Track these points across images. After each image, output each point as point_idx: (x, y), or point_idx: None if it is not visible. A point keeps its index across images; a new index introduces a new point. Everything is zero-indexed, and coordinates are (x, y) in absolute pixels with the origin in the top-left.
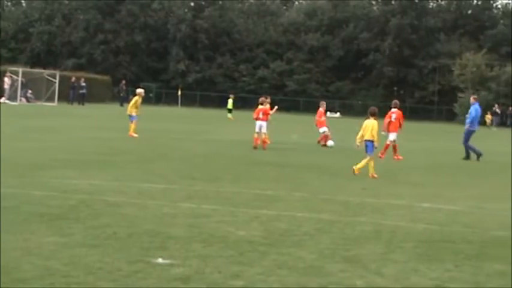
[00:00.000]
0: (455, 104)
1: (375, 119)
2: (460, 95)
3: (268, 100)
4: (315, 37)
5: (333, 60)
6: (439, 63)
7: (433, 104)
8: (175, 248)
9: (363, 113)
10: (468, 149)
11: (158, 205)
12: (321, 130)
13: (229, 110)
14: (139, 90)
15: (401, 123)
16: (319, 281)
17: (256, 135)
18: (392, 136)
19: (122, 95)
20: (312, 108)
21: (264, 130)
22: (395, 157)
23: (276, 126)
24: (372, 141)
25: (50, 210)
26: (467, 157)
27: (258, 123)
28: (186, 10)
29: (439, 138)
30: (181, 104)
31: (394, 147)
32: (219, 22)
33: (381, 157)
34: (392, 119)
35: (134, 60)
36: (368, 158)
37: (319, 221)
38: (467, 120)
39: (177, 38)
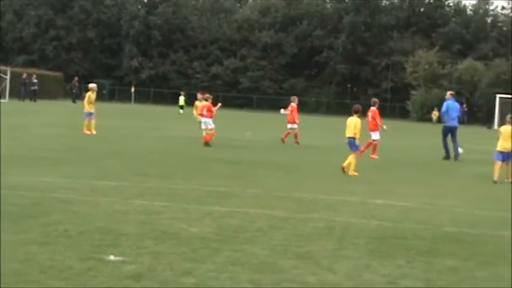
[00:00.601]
0: (408, 102)
1: (358, 117)
2: (412, 92)
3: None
4: (268, 34)
5: (286, 57)
6: (392, 60)
7: (386, 101)
8: (127, 245)
9: (316, 110)
10: (444, 146)
11: (110, 202)
12: (290, 126)
13: (181, 107)
14: (92, 85)
15: (379, 121)
16: (272, 277)
17: (213, 132)
18: (374, 135)
19: (74, 91)
20: (266, 105)
21: (210, 126)
22: (372, 155)
23: (229, 123)
24: (354, 138)
25: (2, 208)
26: (451, 157)
27: (203, 119)
28: (139, 6)
29: (392, 135)
30: (135, 101)
31: (374, 146)
32: (173, 19)
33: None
34: (369, 118)
35: (87, 57)
36: (354, 154)
37: (272, 218)
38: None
39: (130, 34)
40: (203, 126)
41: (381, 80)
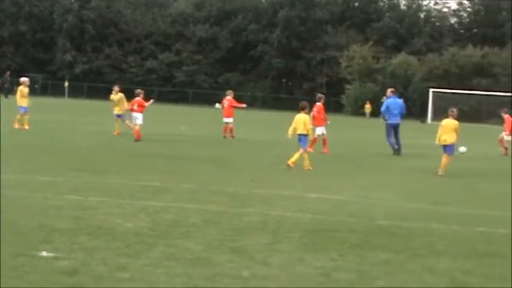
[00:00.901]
0: (342, 96)
1: (305, 113)
2: (347, 86)
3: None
4: (203, 28)
5: (221, 51)
6: (327, 55)
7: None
8: (61, 241)
9: (251, 104)
10: (390, 144)
11: (43, 197)
12: (226, 120)
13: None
14: (23, 79)
15: (324, 116)
16: (206, 271)
17: (137, 127)
18: (319, 130)
19: (6, 86)
20: (201, 100)
21: (139, 121)
22: (323, 150)
23: (164, 117)
24: (306, 135)
25: None
26: (397, 151)
27: (134, 114)
28: (72, 0)
29: (327, 129)
30: (68, 96)
31: (324, 141)
32: (106, 13)
33: (309, 150)
34: (315, 113)
35: (19, 51)
36: (302, 151)
37: (207, 212)
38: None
39: (64, 28)
40: (134, 122)
41: (316, 74)
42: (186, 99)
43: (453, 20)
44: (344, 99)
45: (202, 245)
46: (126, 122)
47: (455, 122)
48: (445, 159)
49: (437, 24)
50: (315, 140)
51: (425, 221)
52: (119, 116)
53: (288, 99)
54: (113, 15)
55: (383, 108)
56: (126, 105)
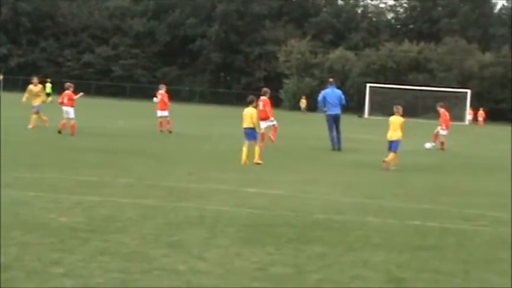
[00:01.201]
0: (280, 90)
1: (253, 107)
2: (285, 81)
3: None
4: (141, 22)
5: (159, 45)
6: (265, 49)
7: (259, 90)
8: None
9: (190, 98)
10: (330, 138)
11: None
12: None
13: (48, 94)
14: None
15: (270, 110)
16: (142, 266)
17: (64, 121)
18: (263, 124)
19: None
20: (139, 94)
21: (71, 115)
22: (271, 135)
23: (101, 112)
24: (253, 129)
25: None
26: (337, 146)
27: (64, 108)
28: None
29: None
30: (3, 89)
31: (262, 135)
32: (42, 5)
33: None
34: (260, 107)
35: None
36: (247, 144)
37: (143, 207)
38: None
39: None
40: (64, 115)
41: (254, 69)
42: (124, 93)
43: (390, 16)
44: (282, 94)
45: (138, 239)
46: (40, 114)
47: (401, 119)
48: (391, 155)
49: (374, 19)
50: (262, 136)
51: (360, 215)
52: (36, 107)
53: (226, 94)
54: (49, 8)
55: (319, 97)
56: (44, 97)
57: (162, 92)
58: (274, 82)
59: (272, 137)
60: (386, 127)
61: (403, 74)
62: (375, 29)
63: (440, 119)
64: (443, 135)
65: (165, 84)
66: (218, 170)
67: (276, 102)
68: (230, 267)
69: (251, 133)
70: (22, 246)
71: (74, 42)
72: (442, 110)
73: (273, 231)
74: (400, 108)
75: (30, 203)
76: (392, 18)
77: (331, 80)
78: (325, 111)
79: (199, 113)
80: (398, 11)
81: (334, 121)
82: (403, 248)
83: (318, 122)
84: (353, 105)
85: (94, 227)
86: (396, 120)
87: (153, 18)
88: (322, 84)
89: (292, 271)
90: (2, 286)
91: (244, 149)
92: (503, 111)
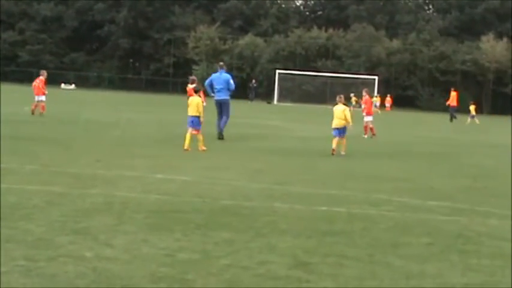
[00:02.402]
0: (190, 77)
1: (199, 96)
2: (194, 67)
3: None
4: (48, 7)
5: (67, 31)
6: (174, 35)
7: (168, 76)
8: None
9: (98, 85)
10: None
11: None
12: (38, 98)
13: None
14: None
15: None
16: (48, 253)
17: None
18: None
19: None
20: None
21: None
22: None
23: (7, 98)
24: (198, 117)
25: None
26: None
27: None
28: None
29: (173, 110)
30: None
31: None
32: None
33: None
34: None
35: None
36: (190, 131)
37: (49, 194)
38: None
39: None
40: None
41: (163, 55)
42: (31, 79)
43: (299, 2)
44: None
45: (44, 226)
46: None
47: (344, 107)
48: (340, 141)
49: (283, 6)
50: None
51: (268, 201)
52: None
53: (135, 80)
54: None
55: (206, 82)
56: None
57: (42, 78)
58: (183, 68)
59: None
60: (330, 116)
61: (312, 60)
62: (284, 15)
63: (364, 106)
64: (370, 121)
65: (74, 70)
66: (126, 156)
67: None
68: (137, 254)
69: (196, 121)
70: None
71: None
72: (367, 97)
73: (181, 217)
74: (342, 97)
75: None
76: (301, 5)
77: (221, 63)
78: (213, 96)
79: (107, 99)
80: None
81: (219, 106)
82: (310, 234)
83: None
84: (262, 91)
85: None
86: (340, 108)
87: (60, 3)
88: (231, 71)
89: (200, 257)
90: None
91: (188, 136)
92: (410, 98)
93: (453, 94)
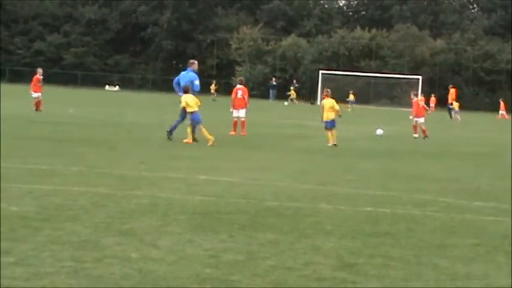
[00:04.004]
0: (233, 78)
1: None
2: (237, 68)
3: None
4: (92, 10)
5: (111, 33)
6: (217, 37)
7: (211, 77)
8: None
9: (141, 86)
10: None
11: None
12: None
13: None
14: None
15: (247, 99)
16: (94, 254)
17: None
18: (242, 113)
19: None
20: (90, 82)
21: None
22: (242, 133)
23: (52, 100)
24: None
25: None
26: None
27: None
28: None
29: (216, 112)
30: None
31: (243, 123)
32: None
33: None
34: (239, 96)
35: None
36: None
37: (95, 195)
38: None
39: None
40: None
41: (207, 56)
42: (75, 81)
43: (342, 3)
44: (234, 81)
45: (90, 228)
46: None
47: (332, 101)
48: (331, 132)
49: (326, 6)
50: (235, 124)
51: (312, 202)
52: None
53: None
54: None
55: (174, 81)
56: None
57: (37, 76)
58: (226, 69)
59: (243, 133)
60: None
61: (356, 60)
62: (327, 16)
63: (413, 108)
64: (422, 123)
65: (118, 72)
66: (170, 158)
67: (228, 90)
68: (182, 255)
69: (194, 116)
70: None
71: (24, 30)
72: (415, 99)
73: (225, 218)
74: (329, 91)
75: None
76: (344, 5)
77: (191, 61)
78: (180, 96)
79: (151, 101)
80: None
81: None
82: (355, 234)
83: (268, 110)
84: (305, 92)
85: (45, 216)
86: (328, 102)
87: (104, 6)
88: (275, 72)
89: (245, 258)
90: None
91: (189, 130)
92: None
93: (452, 91)
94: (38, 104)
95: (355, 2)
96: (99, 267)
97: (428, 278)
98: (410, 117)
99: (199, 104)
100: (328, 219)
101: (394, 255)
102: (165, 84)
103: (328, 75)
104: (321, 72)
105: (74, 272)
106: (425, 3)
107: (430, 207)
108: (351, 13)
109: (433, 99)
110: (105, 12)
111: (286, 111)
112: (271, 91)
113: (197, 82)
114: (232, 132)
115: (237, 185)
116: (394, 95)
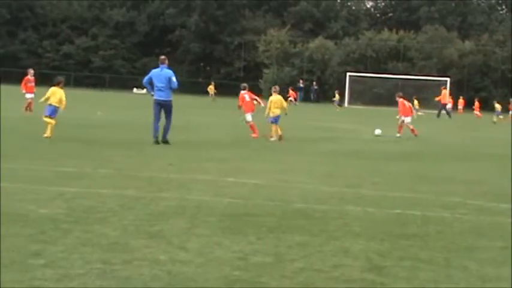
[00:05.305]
0: (260, 80)
1: (60, 88)
2: (265, 71)
3: None
4: (120, 13)
5: (139, 36)
6: (245, 39)
7: (239, 80)
8: None
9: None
10: (154, 127)
11: None
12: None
13: None
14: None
15: (259, 100)
16: (123, 256)
17: None
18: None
19: None
20: (118, 85)
21: None
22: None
23: (80, 102)
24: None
25: None
26: (163, 139)
27: None
28: None
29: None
30: None
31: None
32: None
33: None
34: (247, 99)
35: None
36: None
37: (123, 198)
38: None
39: None
40: None
41: (234, 58)
42: (103, 84)
43: (369, 4)
44: (262, 84)
45: (119, 230)
46: None
47: (280, 97)
48: (274, 127)
49: (353, 8)
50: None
51: (340, 204)
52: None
53: (206, 84)
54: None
55: (145, 79)
56: None
57: (27, 76)
58: (253, 72)
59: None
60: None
61: (383, 62)
62: (355, 17)
63: (398, 108)
64: (409, 122)
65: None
66: (198, 160)
67: (255, 92)
68: (211, 257)
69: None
70: (1, 238)
71: (53, 33)
72: (400, 100)
73: (253, 220)
74: (277, 88)
75: (8, 194)
76: (372, 7)
77: (162, 57)
78: (152, 95)
79: (178, 103)
80: None
81: (160, 108)
82: (383, 237)
83: (293, 111)
84: (332, 94)
85: (75, 218)
86: (276, 98)
87: (132, 9)
88: (302, 74)
89: (273, 260)
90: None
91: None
92: (483, 99)
93: (444, 92)
94: (29, 105)
95: (383, 4)
96: (128, 269)
97: (458, 280)
98: (397, 116)
99: (284, 106)
100: (356, 222)
101: (423, 258)
102: (193, 87)
103: (355, 77)
104: (348, 74)
105: (103, 273)
106: (453, 4)
107: (459, 210)
108: (378, 15)
109: (461, 101)
110: (133, 15)
111: (313, 114)
112: (298, 93)
113: (174, 79)
114: (254, 135)
115: (264, 187)
116: (422, 97)
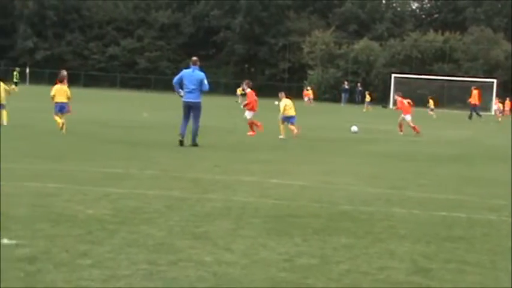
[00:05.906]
0: (305, 81)
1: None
2: (309, 72)
3: None
4: (165, 14)
5: (184, 37)
6: (289, 40)
7: (283, 81)
8: (20, 229)
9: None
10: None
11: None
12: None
13: (16, 83)
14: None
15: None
16: (168, 257)
17: None
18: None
19: None
20: (164, 86)
21: None
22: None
23: (126, 104)
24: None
25: None
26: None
27: None
28: None
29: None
30: (30, 82)
31: (251, 124)
32: None
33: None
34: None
35: None
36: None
37: (169, 198)
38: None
39: (24, 14)
40: None
41: (279, 60)
42: (149, 86)
43: (414, 6)
44: (307, 85)
45: (165, 231)
46: None
47: (290, 100)
48: (292, 127)
49: (398, 9)
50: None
51: (386, 206)
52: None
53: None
54: (75, 1)
55: (175, 79)
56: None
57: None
58: (298, 73)
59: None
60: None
61: (429, 64)
62: (400, 19)
63: (395, 107)
64: (410, 120)
65: None
66: (243, 161)
67: (299, 93)
68: (256, 258)
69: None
70: (50, 238)
71: (99, 35)
72: (399, 99)
73: (299, 222)
74: (283, 93)
75: (56, 195)
76: (417, 8)
77: (194, 58)
78: (181, 96)
79: (224, 105)
80: (423, 0)
81: (188, 110)
82: (429, 239)
83: (336, 113)
84: (378, 95)
85: (121, 219)
86: (289, 101)
87: (177, 10)
88: (347, 75)
89: (319, 262)
90: (29, 278)
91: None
92: None
93: (474, 92)
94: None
95: (428, 5)
96: (174, 270)
97: (506, 284)
98: (402, 116)
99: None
100: (402, 224)
101: (470, 260)
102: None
103: (400, 79)
104: (393, 75)
105: (150, 274)
106: (499, 5)
107: (505, 212)
108: (423, 16)
109: (507, 102)
110: (178, 16)
111: (358, 116)
112: (343, 95)
113: (206, 82)
114: (258, 130)
115: (309, 189)
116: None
